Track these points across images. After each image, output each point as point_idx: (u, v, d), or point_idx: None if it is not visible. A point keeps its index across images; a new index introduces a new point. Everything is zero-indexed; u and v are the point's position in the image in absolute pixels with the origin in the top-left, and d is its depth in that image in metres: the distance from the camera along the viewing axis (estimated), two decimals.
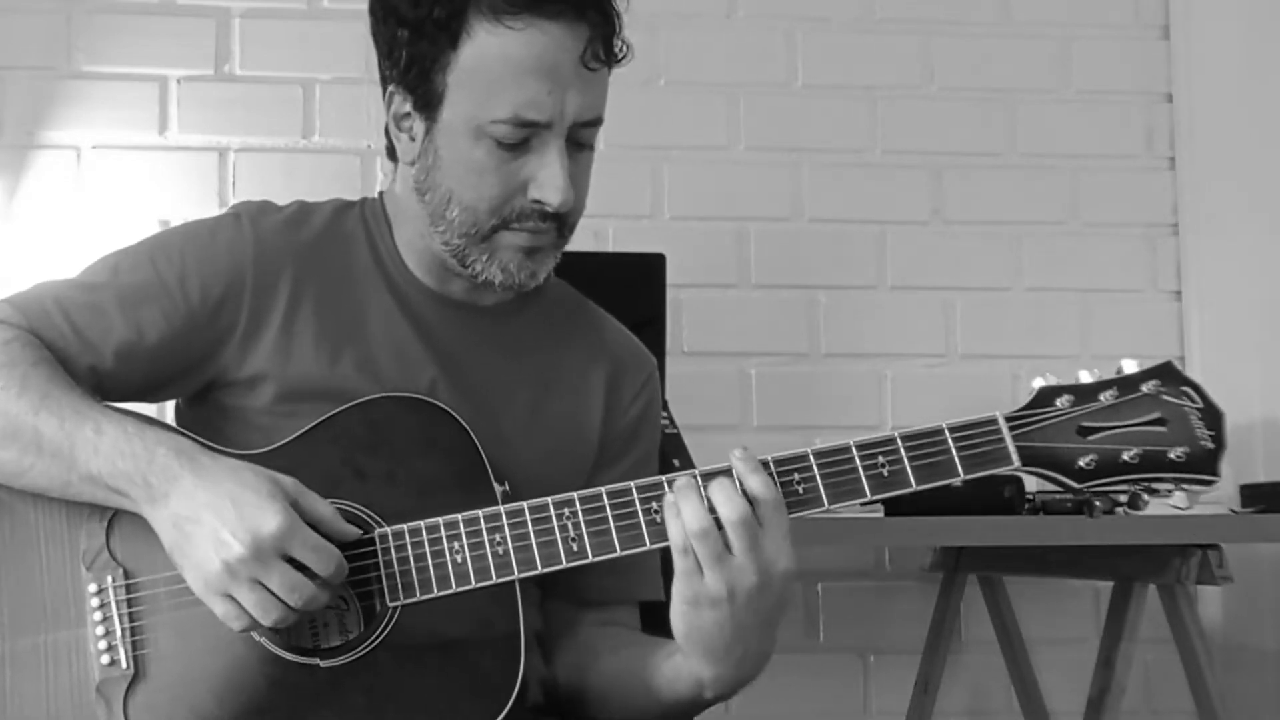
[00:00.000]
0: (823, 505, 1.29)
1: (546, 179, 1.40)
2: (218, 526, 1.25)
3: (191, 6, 3.04)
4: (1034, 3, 3.26)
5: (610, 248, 2.93)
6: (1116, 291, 3.21)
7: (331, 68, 3.06)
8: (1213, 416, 1.30)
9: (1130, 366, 1.33)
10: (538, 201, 1.41)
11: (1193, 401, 1.30)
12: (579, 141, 1.43)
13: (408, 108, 1.45)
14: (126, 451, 1.30)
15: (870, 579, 3.13)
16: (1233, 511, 2.52)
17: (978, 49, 3.24)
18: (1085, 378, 1.32)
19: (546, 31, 1.37)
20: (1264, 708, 2.87)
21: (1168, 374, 1.32)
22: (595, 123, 1.43)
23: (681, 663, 1.33)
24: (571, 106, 1.39)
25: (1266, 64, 3.01)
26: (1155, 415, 1.30)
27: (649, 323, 1.68)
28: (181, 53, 3.02)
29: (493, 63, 1.38)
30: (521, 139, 1.39)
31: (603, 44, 1.41)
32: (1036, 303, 3.19)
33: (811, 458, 1.30)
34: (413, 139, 1.46)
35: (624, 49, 1.44)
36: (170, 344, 1.44)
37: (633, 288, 1.78)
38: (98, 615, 1.33)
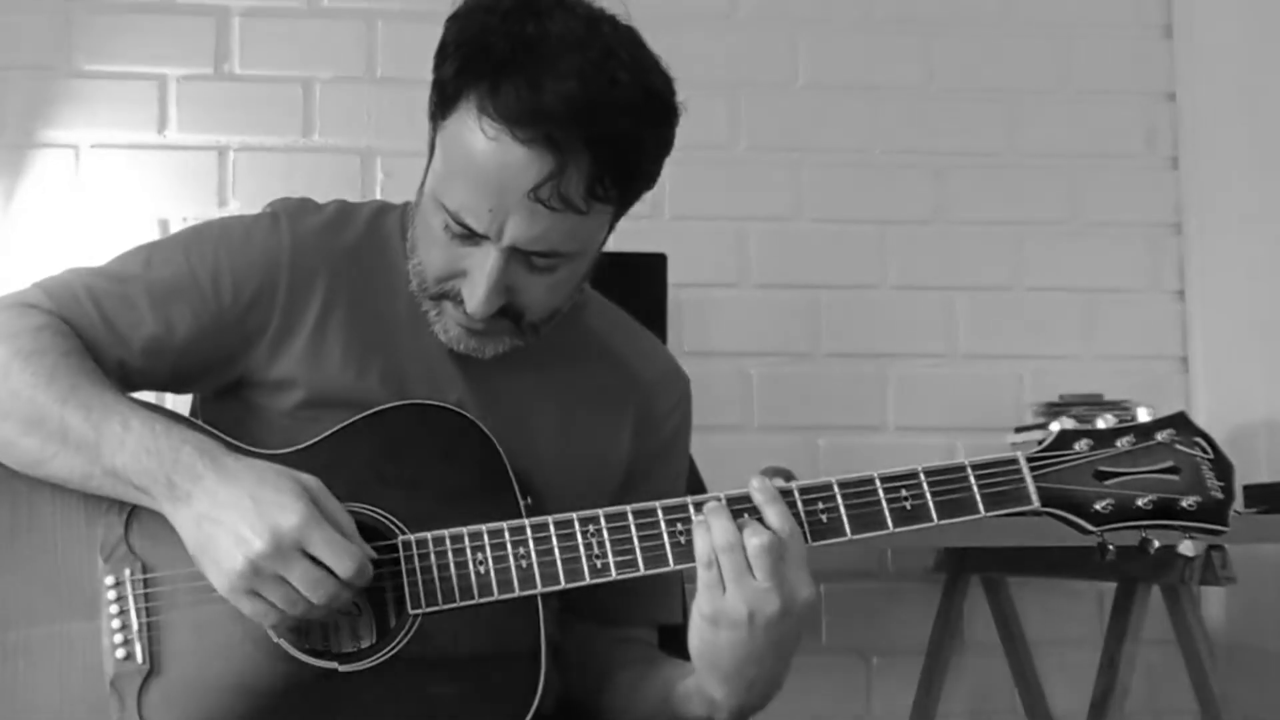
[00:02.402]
0: (845, 535, 1.31)
1: (473, 284, 1.36)
2: (239, 524, 1.24)
3: (191, 5, 3.04)
4: (1035, 2, 3.26)
5: (610, 247, 2.92)
6: (1119, 291, 3.21)
7: (331, 67, 3.06)
8: (1223, 468, 1.34)
9: (1144, 415, 1.36)
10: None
11: (1204, 453, 1.34)
12: (532, 263, 1.35)
13: (429, 140, 1.43)
14: (152, 449, 1.29)
15: (873, 580, 3.13)
16: (1236, 513, 2.51)
17: (979, 48, 3.24)
18: (1102, 424, 1.35)
19: (509, 151, 1.28)
20: (1267, 708, 2.87)
21: (1181, 424, 1.35)
22: (551, 254, 1.35)
23: (695, 682, 1.33)
24: (511, 231, 1.32)
25: (1269, 63, 3.00)
26: (1169, 464, 1.33)
27: (650, 323, 1.66)
28: (181, 52, 3.02)
29: (459, 152, 1.32)
30: (464, 234, 1.34)
31: (578, 185, 1.30)
32: (1038, 302, 3.19)
33: (836, 488, 1.32)
34: (425, 169, 1.44)
35: (608, 194, 1.33)
36: (199, 341, 1.43)
37: (634, 288, 1.77)
38: (114, 608, 1.32)
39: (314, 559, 1.25)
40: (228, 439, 1.37)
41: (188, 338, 1.42)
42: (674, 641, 1.37)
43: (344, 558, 1.25)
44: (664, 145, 1.39)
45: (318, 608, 1.25)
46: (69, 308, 1.40)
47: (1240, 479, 2.69)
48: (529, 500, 1.37)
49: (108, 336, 1.40)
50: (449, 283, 1.39)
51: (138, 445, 1.29)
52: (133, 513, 1.34)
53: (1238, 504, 2.53)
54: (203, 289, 1.42)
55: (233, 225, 1.49)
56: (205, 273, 1.43)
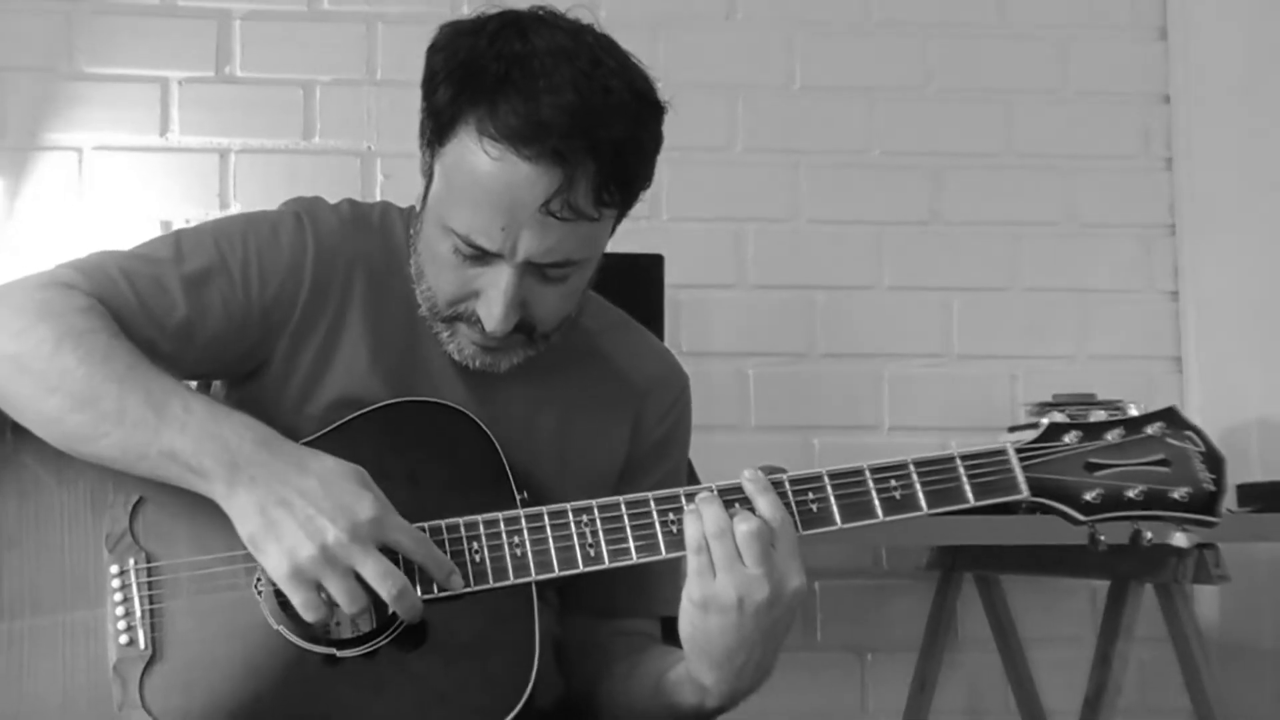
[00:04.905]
0: (835, 524, 1.34)
1: (488, 302, 1.38)
2: (311, 512, 1.25)
3: (192, 8, 3.06)
4: (1031, 4, 3.27)
5: (608, 248, 2.93)
6: (1114, 292, 3.23)
7: (332, 69, 3.08)
8: (1214, 461, 1.35)
9: (1134, 410, 1.38)
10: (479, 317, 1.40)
11: (1195, 445, 1.35)
12: (545, 275, 1.38)
13: (422, 166, 1.45)
14: (214, 433, 1.30)
15: (867, 577, 3.14)
16: (1229, 511, 2.52)
17: (975, 50, 3.25)
18: (1093, 418, 1.37)
19: (516, 169, 1.30)
20: (1260, 706, 2.88)
21: (1171, 418, 1.37)
22: (564, 264, 1.37)
23: (685, 669, 1.35)
24: (525, 247, 1.33)
25: (1264, 65, 3.02)
26: (1159, 456, 1.35)
27: (647, 323, 1.68)
28: (182, 54, 3.04)
29: (463, 176, 1.34)
30: (476, 255, 1.36)
31: (586, 193, 1.32)
32: (1034, 303, 3.21)
33: (826, 478, 1.34)
34: (423, 196, 1.46)
35: (614, 198, 1.35)
36: (225, 331, 1.44)
37: (631, 288, 1.78)
38: (118, 596, 1.34)
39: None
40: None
41: (215, 326, 1.44)
42: (677, 634, 1.38)
43: (425, 544, 1.29)
44: (658, 143, 1.41)
45: (368, 605, 1.27)
46: (104, 287, 1.40)
47: (1233, 478, 2.71)
48: (525, 495, 1.39)
49: (142, 316, 1.41)
50: (462, 305, 1.41)
51: (200, 429, 1.30)
52: (138, 505, 1.36)
53: (1231, 503, 2.56)
54: (232, 278, 1.44)
55: (259, 220, 1.50)
56: (235, 262, 1.45)
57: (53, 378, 1.32)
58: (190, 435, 1.30)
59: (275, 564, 1.26)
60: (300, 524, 1.25)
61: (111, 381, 1.31)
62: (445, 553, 1.34)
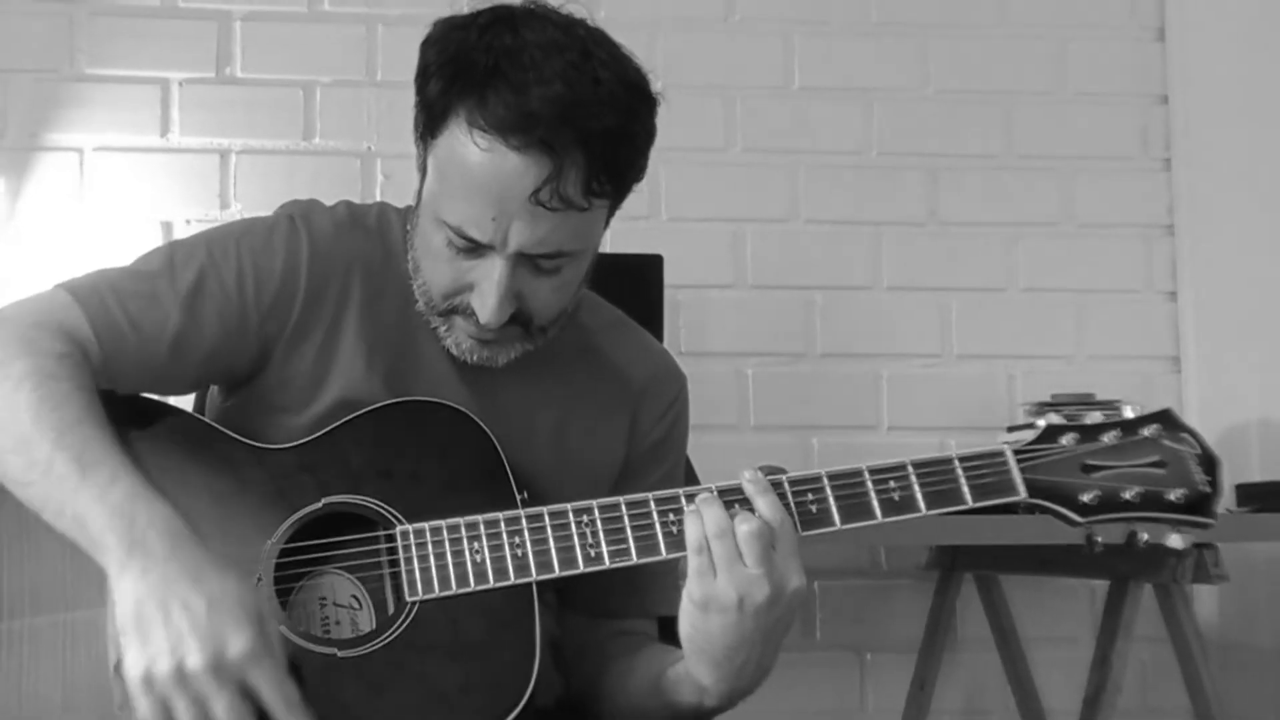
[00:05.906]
0: (835, 525, 1.34)
1: (482, 294, 1.38)
2: (184, 629, 1.19)
3: (193, 9, 3.06)
4: (1030, 5, 3.28)
5: (607, 249, 2.93)
6: (1112, 292, 3.23)
7: (332, 70, 3.08)
8: (1209, 462, 1.35)
9: (1130, 412, 1.38)
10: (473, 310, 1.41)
11: (1190, 447, 1.36)
12: (538, 266, 1.38)
13: (417, 161, 1.45)
14: (127, 511, 1.24)
15: (867, 577, 3.14)
16: (1228, 511, 2.53)
17: (974, 51, 3.25)
18: (1090, 420, 1.38)
19: (505, 159, 1.31)
20: (1259, 706, 2.88)
21: (1168, 420, 1.37)
22: (556, 255, 1.38)
23: (684, 668, 1.36)
24: (516, 237, 1.34)
25: (1262, 65, 3.02)
26: (1155, 458, 1.36)
27: (646, 324, 1.68)
28: (183, 55, 3.04)
29: (454, 167, 1.35)
30: (468, 247, 1.37)
31: (576, 183, 1.33)
32: (1032, 303, 3.21)
33: (825, 479, 1.35)
34: (418, 192, 1.47)
35: (604, 189, 1.35)
36: (223, 339, 1.44)
37: (630, 289, 1.78)
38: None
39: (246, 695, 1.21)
40: (238, 438, 1.40)
41: (213, 334, 1.43)
42: (675, 634, 1.39)
43: (292, 704, 1.21)
44: (650, 135, 1.42)
45: None
46: (95, 310, 1.39)
47: (1232, 478, 2.73)
48: (525, 494, 1.40)
49: (134, 336, 1.40)
50: (457, 298, 1.42)
51: (115, 504, 1.25)
52: None
53: (1230, 503, 2.57)
54: (227, 287, 1.44)
55: (254, 226, 1.50)
56: (229, 270, 1.44)
57: (4, 414, 1.30)
58: (103, 506, 1.24)
59: (132, 663, 1.20)
60: (168, 635, 1.19)
61: (50, 430, 1.27)
62: (446, 553, 1.35)
